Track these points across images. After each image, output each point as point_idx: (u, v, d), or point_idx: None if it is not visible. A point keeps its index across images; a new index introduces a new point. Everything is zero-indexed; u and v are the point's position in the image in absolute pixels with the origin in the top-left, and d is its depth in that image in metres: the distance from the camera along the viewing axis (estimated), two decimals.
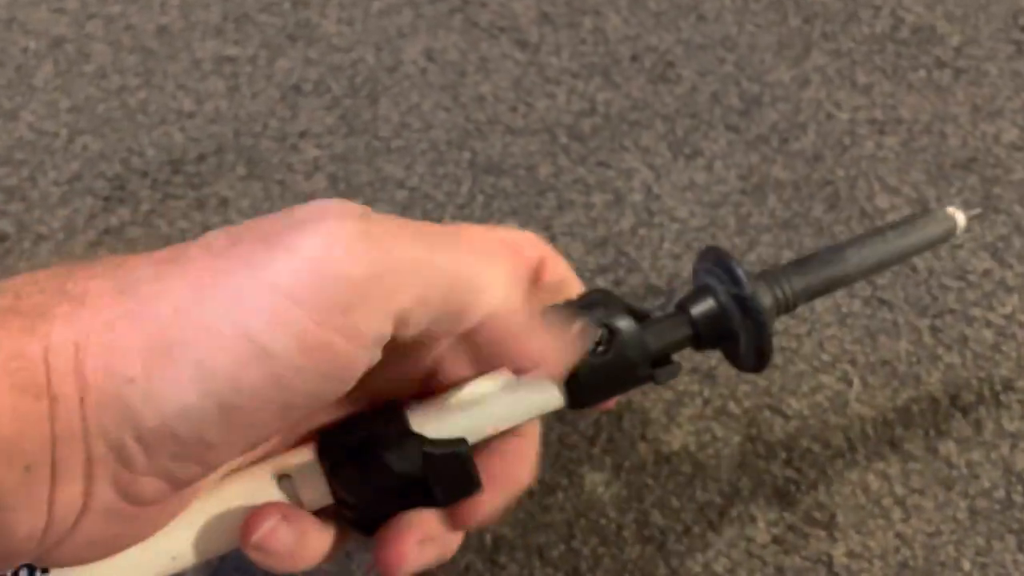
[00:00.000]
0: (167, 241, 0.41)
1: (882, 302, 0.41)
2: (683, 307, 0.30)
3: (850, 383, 0.39)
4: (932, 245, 0.34)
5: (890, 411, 0.39)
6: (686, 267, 0.42)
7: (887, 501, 0.36)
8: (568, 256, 0.41)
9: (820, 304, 0.41)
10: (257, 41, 0.48)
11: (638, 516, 0.36)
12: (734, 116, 0.47)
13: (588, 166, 0.45)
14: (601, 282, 0.41)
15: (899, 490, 0.37)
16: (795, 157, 0.46)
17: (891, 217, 0.44)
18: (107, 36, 0.47)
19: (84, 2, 0.48)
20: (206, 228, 0.42)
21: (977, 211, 0.36)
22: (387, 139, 0.45)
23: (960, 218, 0.34)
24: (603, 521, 0.36)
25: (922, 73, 0.49)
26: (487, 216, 0.43)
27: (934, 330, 0.41)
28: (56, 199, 0.42)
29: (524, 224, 0.42)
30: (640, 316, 0.29)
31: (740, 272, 0.29)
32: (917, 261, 0.42)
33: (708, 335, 0.30)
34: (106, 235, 0.41)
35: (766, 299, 0.29)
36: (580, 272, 0.41)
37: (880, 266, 0.33)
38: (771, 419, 0.38)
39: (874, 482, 0.37)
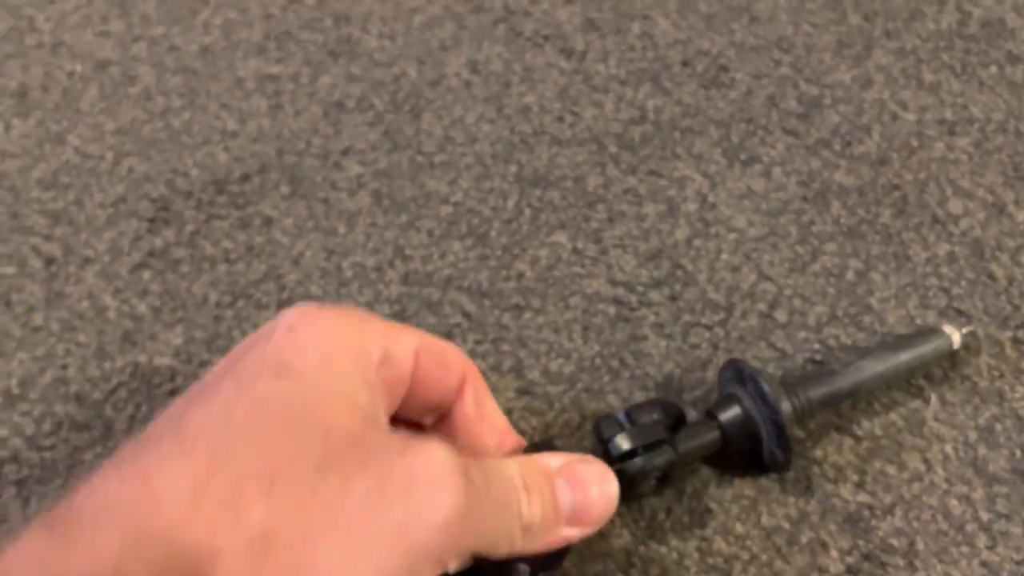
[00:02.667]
0: (211, 262, 0.40)
1: (959, 312, 0.39)
2: (711, 414, 0.34)
3: (927, 400, 0.37)
4: (935, 359, 0.37)
5: (972, 430, 0.36)
6: (745, 279, 0.40)
7: (971, 527, 0.34)
8: (620, 270, 0.39)
9: (891, 315, 0.38)
10: (299, 58, 0.47)
11: (700, 544, 0.34)
12: (792, 120, 0.45)
13: (639, 175, 0.43)
14: (656, 296, 0.39)
15: (984, 515, 0.34)
16: (859, 161, 0.43)
17: (965, 223, 0.41)
18: (151, 58, 0.47)
19: (129, 24, 0.48)
20: (250, 248, 0.41)
21: (970, 328, 0.37)
22: (431, 154, 0.44)
23: (956, 337, 0.37)
24: (664, 550, 0.34)
25: (993, 69, 0.46)
26: (535, 230, 0.41)
27: (1016, 342, 0.38)
28: (102, 222, 0.42)
29: (574, 236, 0.41)
30: (676, 422, 0.34)
31: (765, 386, 0.33)
32: (995, 268, 0.40)
33: (735, 439, 0.34)
34: (151, 257, 0.41)
35: (787, 409, 0.33)
36: (633, 286, 0.39)
37: (889, 380, 0.36)
38: (840, 440, 0.36)
39: (956, 507, 0.34)
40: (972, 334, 0.38)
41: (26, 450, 0.35)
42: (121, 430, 0.36)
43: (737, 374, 0.35)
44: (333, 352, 0.26)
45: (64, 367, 0.37)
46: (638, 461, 0.32)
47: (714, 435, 0.34)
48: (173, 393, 0.37)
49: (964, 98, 0.45)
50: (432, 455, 0.25)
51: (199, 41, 0.47)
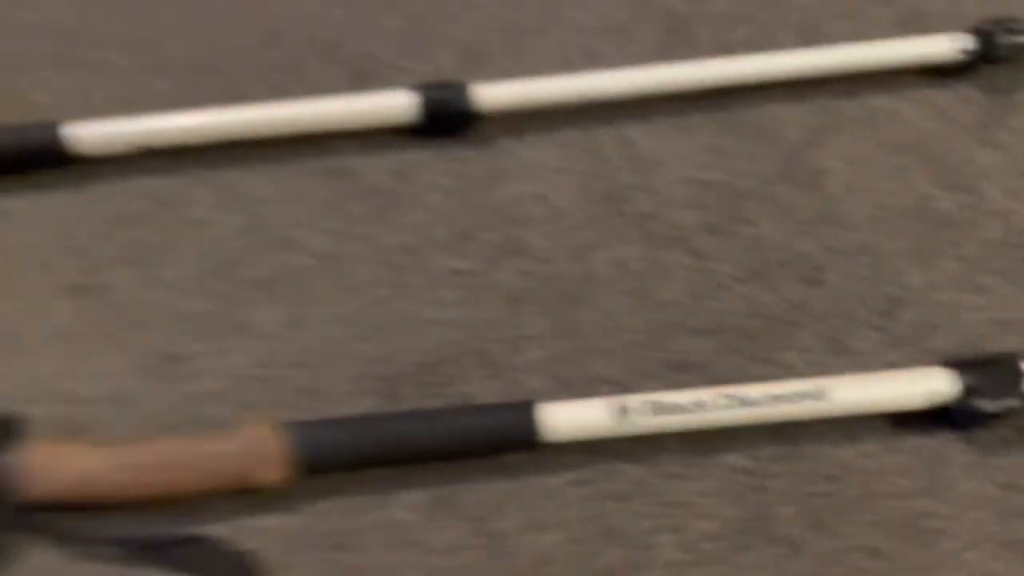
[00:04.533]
0: None
1: None
2: None
3: None
4: None
5: None
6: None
7: None
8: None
9: None
10: (479, 256, 0.59)
11: None
12: (878, 317, 0.56)
13: (758, 364, 0.54)
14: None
15: None
16: (932, 355, 0.54)
17: None
18: (363, 254, 0.59)
19: (347, 223, 0.60)
20: None
21: None
22: (593, 340, 0.55)
23: None
24: None
25: None
26: None
27: None
28: (343, 396, 0.53)
29: None
30: None
31: None
32: None
33: None
34: None
35: None
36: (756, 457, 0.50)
37: None
38: None
39: None
40: None
41: None
42: None
43: None
44: None
45: None
46: None
47: None
48: None
49: (1015, 301, 0.57)
50: None
51: (399, 238, 0.59)
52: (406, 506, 0.50)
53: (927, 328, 0.56)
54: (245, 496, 0.49)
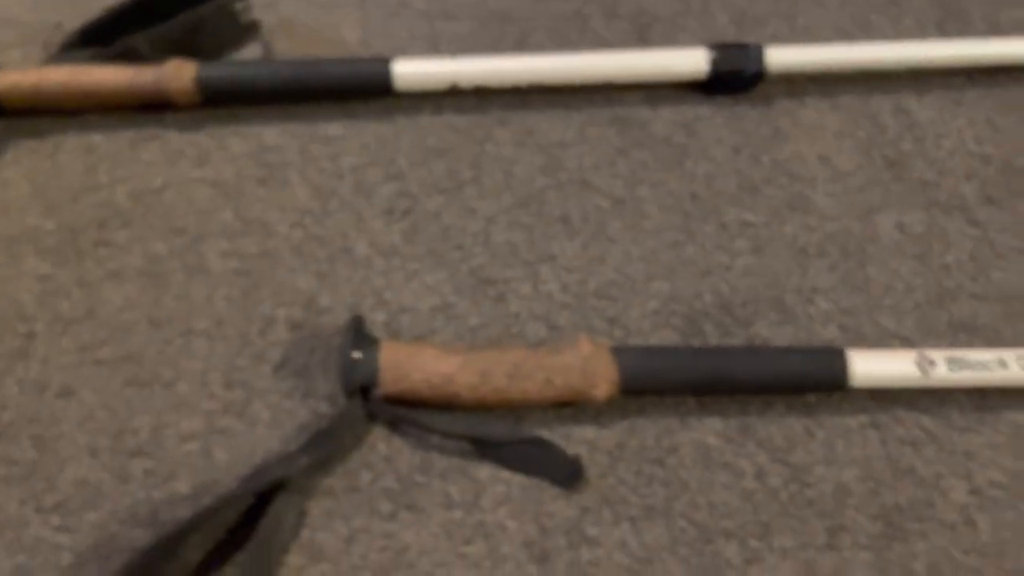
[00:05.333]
0: None
1: None
2: None
3: None
4: None
5: None
6: None
7: None
8: None
9: None
10: (766, 209, 0.62)
11: None
12: None
13: None
14: None
15: None
16: None
17: None
18: (654, 199, 0.63)
19: (631, 169, 0.64)
20: None
21: None
22: (879, 298, 0.58)
23: None
24: None
25: None
26: None
27: None
28: (647, 328, 0.57)
29: None
30: None
31: None
32: None
33: None
34: None
35: None
36: None
37: None
38: None
39: None
40: None
41: None
42: None
43: None
44: None
45: None
46: None
47: None
48: None
49: None
50: None
51: (689, 188, 0.63)
52: (713, 432, 0.54)
53: None
54: (565, 410, 0.55)
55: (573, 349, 0.54)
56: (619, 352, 0.54)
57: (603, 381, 0.53)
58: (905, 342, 0.57)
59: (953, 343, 0.57)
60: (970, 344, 0.57)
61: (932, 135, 0.66)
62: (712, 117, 0.67)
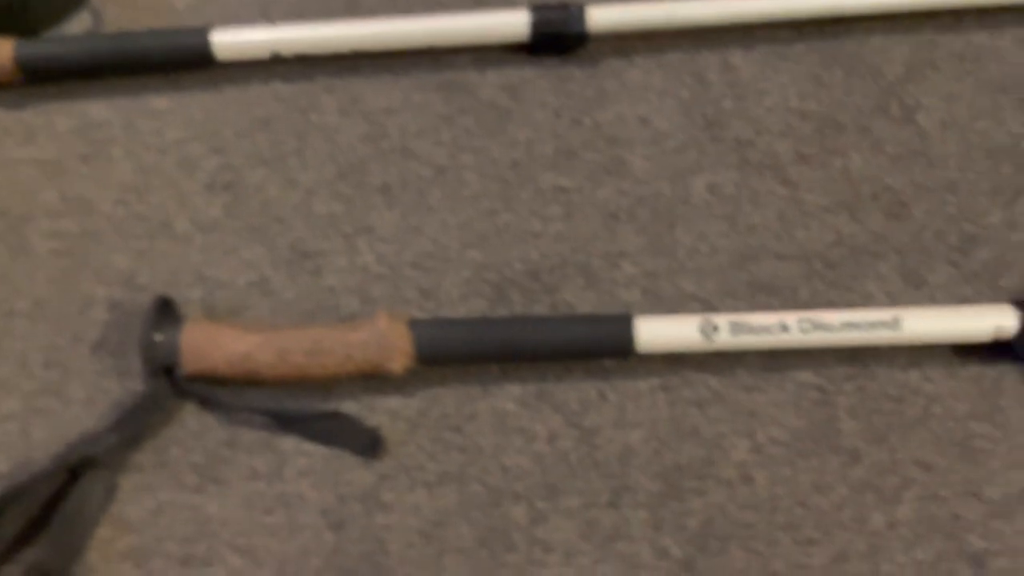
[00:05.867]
0: None
1: None
2: None
3: None
4: None
5: None
6: None
7: None
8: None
9: None
10: (582, 174, 0.63)
11: None
12: (954, 253, 0.59)
13: (838, 290, 0.59)
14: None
15: None
16: (1002, 293, 0.58)
17: None
18: (475, 166, 0.64)
19: (455, 136, 0.65)
20: None
21: None
22: (684, 260, 0.60)
23: None
24: None
25: None
26: None
27: None
28: (457, 298, 0.59)
29: None
30: None
31: None
32: None
33: None
34: None
35: None
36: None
37: None
38: None
39: None
40: None
41: None
42: None
43: None
44: None
45: None
46: None
47: None
48: None
49: None
50: None
51: (510, 155, 0.64)
52: (511, 398, 0.56)
53: (1000, 266, 0.59)
54: (371, 381, 0.56)
55: (370, 324, 0.55)
56: (416, 325, 0.55)
57: (399, 354, 0.55)
58: (705, 304, 0.59)
59: (752, 305, 0.59)
60: (768, 305, 0.59)
61: (754, 92, 0.66)
62: (538, 80, 0.67)
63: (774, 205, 0.62)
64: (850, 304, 0.59)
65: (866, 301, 0.59)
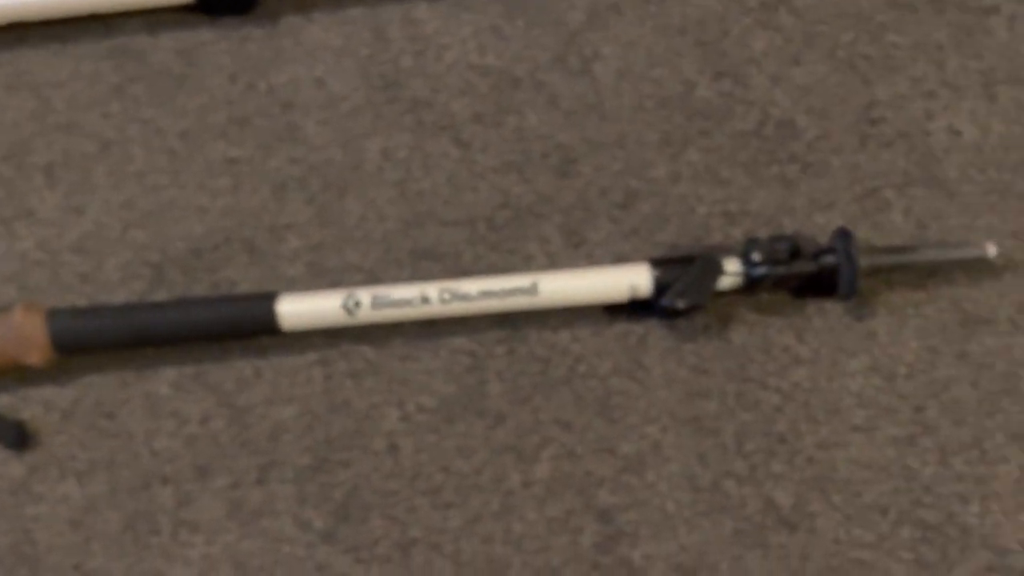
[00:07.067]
0: None
1: None
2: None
3: None
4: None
5: None
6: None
7: None
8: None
9: None
10: (254, 142, 0.62)
11: None
12: (616, 210, 0.60)
13: (500, 253, 0.59)
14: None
15: None
16: (660, 247, 0.59)
17: None
18: (143, 139, 0.62)
19: (124, 107, 0.62)
20: None
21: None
22: (351, 230, 0.60)
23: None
24: None
25: (775, 169, 0.60)
26: None
27: None
28: (116, 281, 0.58)
29: None
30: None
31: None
32: None
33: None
34: None
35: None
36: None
37: None
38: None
39: None
40: None
41: None
42: None
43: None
44: None
45: None
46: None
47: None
48: None
49: (748, 194, 0.60)
50: None
51: (179, 125, 0.62)
52: (165, 381, 0.57)
53: (659, 221, 0.60)
54: (22, 371, 0.56)
55: (6, 318, 0.55)
56: (53, 316, 0.55)
57: (34, 348, 0.54)
58: (368, 276, 0.59)
59: (414, 273, 0.59)
60: (430, 272, 0.59)
61: (435, 47, 0.65)
62: (216, 42, 0.64)
63: (445, 168, 0.62)
64: (510, 267, 0.59)
65: (526, 263, 0.59)
